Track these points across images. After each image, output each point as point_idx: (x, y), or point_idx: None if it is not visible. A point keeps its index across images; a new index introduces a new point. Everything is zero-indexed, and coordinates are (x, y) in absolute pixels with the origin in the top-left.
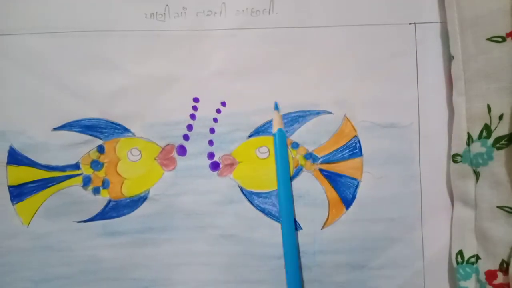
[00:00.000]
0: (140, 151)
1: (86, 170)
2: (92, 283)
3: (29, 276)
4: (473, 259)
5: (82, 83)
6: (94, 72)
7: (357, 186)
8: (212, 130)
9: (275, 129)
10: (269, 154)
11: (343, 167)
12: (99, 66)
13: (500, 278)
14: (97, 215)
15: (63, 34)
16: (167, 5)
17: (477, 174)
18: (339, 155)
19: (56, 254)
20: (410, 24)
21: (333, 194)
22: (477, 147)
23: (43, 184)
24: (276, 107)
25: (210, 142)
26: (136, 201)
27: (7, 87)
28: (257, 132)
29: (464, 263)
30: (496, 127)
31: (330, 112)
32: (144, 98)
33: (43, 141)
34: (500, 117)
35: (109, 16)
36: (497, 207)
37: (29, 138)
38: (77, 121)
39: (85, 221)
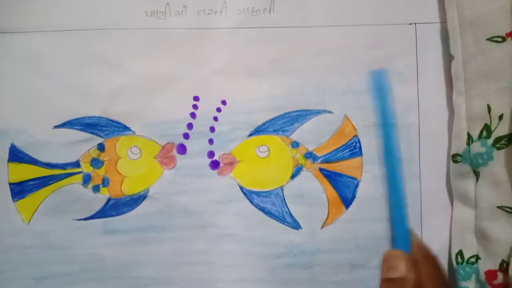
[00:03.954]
0: (140, 150)
1: (86, 168)
2: (93, 281)
3: (30, 274)
4: (473, 259)
5: (82, 81)
6: (95, 70)
7: (356, 186)
8: (212, 129)
9: None
10: (269, 153)
11: (343, 167)
12: (100, 64)
13: (500, 278)
14: (97, 213)
15: (64, 32)
16: (167, 3)
17: (477, 174)
18: (339, 154)
19: (57, 252)
20: (410, 24)
21: (333, 193)
22: (477, 147)
23: (43, 181)
24: None
25: (210, 141)
26: (136, 200)
27: (8, 85)
28: (258, 131)
29: (464, 263)
30: (496, 127)
31: (330, 112)
32: (144, 96)
33: (44, 139)
34: (500, 117)
35: (110, 14)
36: (497, 207)
37: (30, 136)
38: (77, 119)
39: (85, 219)
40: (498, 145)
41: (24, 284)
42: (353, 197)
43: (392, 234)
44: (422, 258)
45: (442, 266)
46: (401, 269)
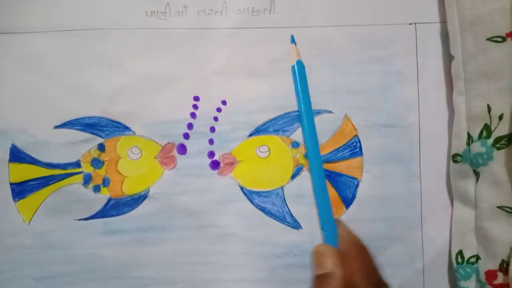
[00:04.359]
0: (140, 150)
1: (87, 168)
2: (93, 281)
3: (30, 274)
4: (473, 259)
5: (83, 81)
6: (95, 71)
7: (357, 186)
8: (212, 129)
9: (293, 61)
10: (269, 153)
11: (343, 167)
12: (100, 65)
13: (500, 278)
14: (97, 213)
15: (64, 32)
16: (168, 3)
17: (477, 174)
18: (340, 154)
19: (57, 252)
20: (410, 24)
21: (333, 193)
22: (477, 147)
23: (44, 181)
24: (293, 40)
25: (211, 141)
26: (136, 200)
27: (9, 85)
28: (258, 131)
29: (464, 263)
30: (496, 127)
31: (330, 112)
32: (144, 96)
33: (45, 139)
34: (500, 117)
35: (110, 14)
36: (497, 207)
37: (31, 136)
38: (78, 119)
39: (85, 219)
40: (498, 145)
41: (24, 284)
42: (354, 197)
43: (321, 227)
44: (351, 250)
45: (372, 256)
46: (327, 265)
